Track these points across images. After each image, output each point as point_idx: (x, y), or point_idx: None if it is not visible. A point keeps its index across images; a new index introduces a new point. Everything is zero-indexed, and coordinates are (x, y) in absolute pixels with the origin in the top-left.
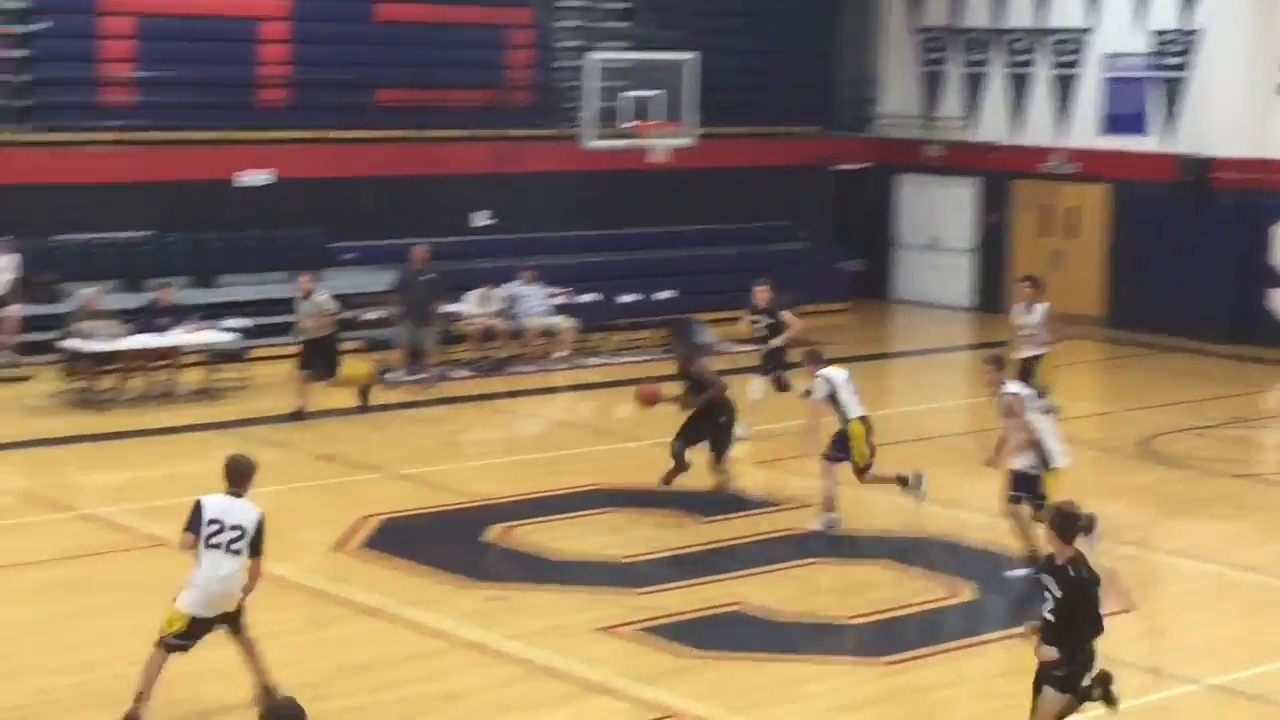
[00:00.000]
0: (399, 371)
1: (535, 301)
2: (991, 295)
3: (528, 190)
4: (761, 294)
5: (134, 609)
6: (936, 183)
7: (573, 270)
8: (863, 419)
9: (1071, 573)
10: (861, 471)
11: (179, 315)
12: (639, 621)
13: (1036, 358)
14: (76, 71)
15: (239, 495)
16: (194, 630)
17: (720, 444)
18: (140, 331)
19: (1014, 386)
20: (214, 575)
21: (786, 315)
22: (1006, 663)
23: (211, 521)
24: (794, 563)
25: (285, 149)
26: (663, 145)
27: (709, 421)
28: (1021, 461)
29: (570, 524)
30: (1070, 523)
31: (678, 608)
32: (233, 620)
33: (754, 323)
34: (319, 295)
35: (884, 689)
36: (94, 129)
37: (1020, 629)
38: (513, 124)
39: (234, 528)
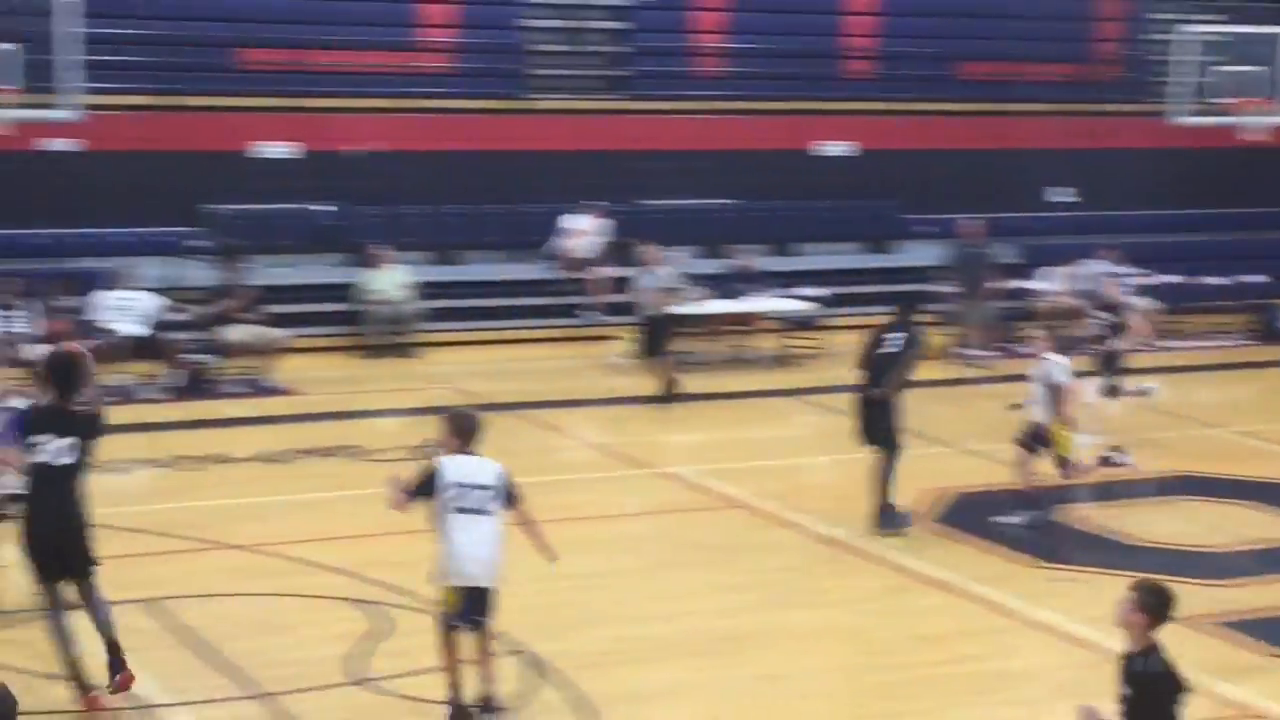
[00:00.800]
0: (969, 347)
1: None
2: None
3: (1108, 166)
4: (1111, 286)
5: (712, 566)
6: None
7: (1154, 250)
8: None
9: (1140, 667)
10: (1065, 465)
11: (757, 282)
12: (1217, 614)
13: None
14: (671, 42)
15: (473, 453)
16: (473, 603)
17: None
18: (720, 297)
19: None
20: (468, 540)
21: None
22: None
23: (453, 485)
24: None
25: (865, 120)
26: (1258, 124)
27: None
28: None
29: (1146, 509)
30: (1165, 603)
31: (1261, 603)
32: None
33: (1094, 318)
34: (663, 269)
35: None
36: (685, 98)
37: None
38: (1097, 98)
39: (479, 486)
